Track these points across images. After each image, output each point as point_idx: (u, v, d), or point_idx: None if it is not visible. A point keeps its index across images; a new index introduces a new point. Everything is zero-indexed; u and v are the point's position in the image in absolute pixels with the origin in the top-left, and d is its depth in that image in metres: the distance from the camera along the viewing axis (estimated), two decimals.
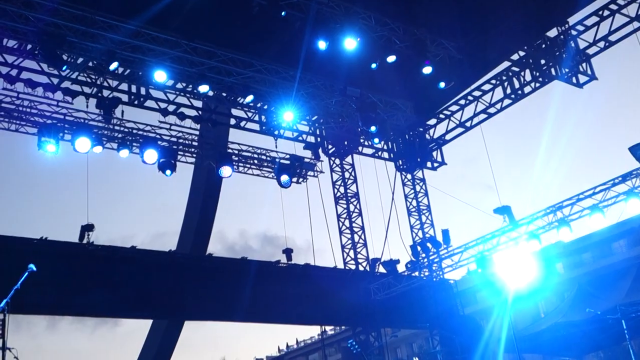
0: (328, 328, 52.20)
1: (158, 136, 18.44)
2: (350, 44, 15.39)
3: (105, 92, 16.61)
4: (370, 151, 22.16)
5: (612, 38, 17.80)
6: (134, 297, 16.71)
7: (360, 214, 22.19)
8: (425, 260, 20.07)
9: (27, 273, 8.63)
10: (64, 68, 15.23)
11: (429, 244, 20.22)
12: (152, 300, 17.43)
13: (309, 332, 71.56)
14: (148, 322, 23.28)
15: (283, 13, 14.65)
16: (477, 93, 20.64)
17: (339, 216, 22.16)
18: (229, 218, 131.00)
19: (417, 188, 22.63)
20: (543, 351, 14.97)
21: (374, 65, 16.58)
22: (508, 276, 16.83)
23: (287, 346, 72.90)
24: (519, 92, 19.54)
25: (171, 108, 17.61)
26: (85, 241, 17.13)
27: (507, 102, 20.06)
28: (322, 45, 15.19)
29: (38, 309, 16.64)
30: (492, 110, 20.51)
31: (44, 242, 16.33)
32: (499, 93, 20.11)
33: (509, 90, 19.75)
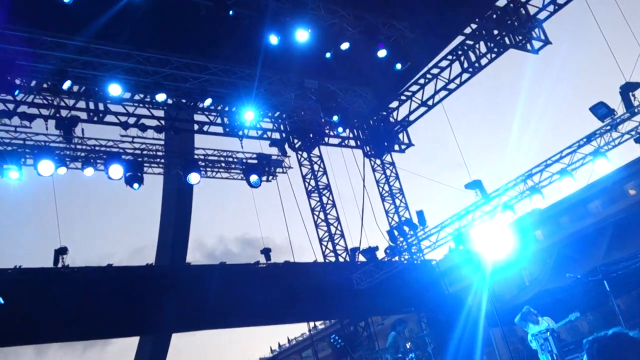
0: (318, 323, 52.19)
1: (122, 150, 18.18)
2: (302, 35, 15.04)
3: (64, 112, 16.40)
4: (336, 141, 22.03)
5: (560, 1, 17.93)
6: (116, 315, 16.49)
7: (334, 205, 22.15)
8: (404, 243, 20.09)
9: None
10: (16, 93, 14.97)
11: (405, 227, 20.20)
12: (135, 317, 17.23)
13: (299, 330, 71.48)
14: (137, 339, 23.08)
15: (231, 12, 14.35)
16: (435, 70, 20.61)
17: (313, 210, 22.10)
18: (206, 225, 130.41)
19: (388, 172, 22.66)
20: (530, 321, 15.01)
21: (328, 55, 16.41)
22: (487, 250, 16.87)
23: (279, 346, 72.82)
24: (476, 64, 19.61)
25: (132, 120, 17.39)
26: (60, 265, 16.91)
27: (465, 76, 20.11)
28: (274, 40, 14.96)
29: (21, 339, 16.38)
30: (452, 86, 20.53)
31: (19, 271, 16.08)
32: (456, 68, 20.16)
33: (466, 65, 19.81)
